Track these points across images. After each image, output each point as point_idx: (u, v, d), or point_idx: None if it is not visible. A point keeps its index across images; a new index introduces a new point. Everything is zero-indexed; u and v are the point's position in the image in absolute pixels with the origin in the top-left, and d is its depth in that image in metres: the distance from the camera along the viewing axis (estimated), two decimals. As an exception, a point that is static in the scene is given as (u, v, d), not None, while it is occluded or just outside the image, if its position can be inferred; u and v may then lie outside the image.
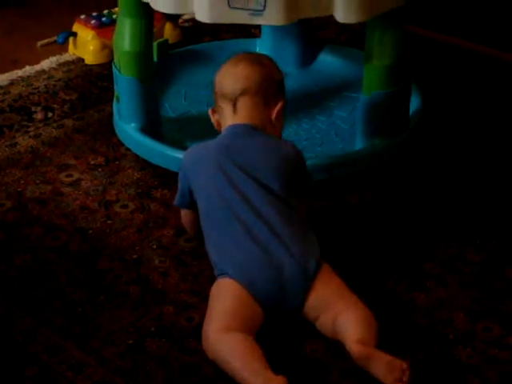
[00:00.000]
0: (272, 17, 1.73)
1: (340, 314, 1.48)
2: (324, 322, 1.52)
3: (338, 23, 1.80)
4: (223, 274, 1.55)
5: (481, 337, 1.54)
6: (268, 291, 1.51)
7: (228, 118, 1.70)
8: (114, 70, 2.00)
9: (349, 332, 1.46)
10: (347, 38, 2.63)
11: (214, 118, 1.75)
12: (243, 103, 1.67)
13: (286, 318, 1.55)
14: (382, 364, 1.41)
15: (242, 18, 1.74)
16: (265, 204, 1.58)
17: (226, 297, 1.51)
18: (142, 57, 1.96)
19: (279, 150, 1.67)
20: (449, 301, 1.62)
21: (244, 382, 1.41)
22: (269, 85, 1.69)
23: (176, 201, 1.73)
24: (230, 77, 1.69)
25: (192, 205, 1.69)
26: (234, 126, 1.68)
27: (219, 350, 1.44)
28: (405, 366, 1.41)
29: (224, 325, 1.46)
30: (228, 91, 1.68)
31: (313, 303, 1.52)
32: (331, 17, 1.78)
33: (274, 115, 1.70)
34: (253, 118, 1.68)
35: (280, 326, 1.55)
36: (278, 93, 1.72)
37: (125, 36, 1.95)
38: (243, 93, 1.67)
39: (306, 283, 1.52)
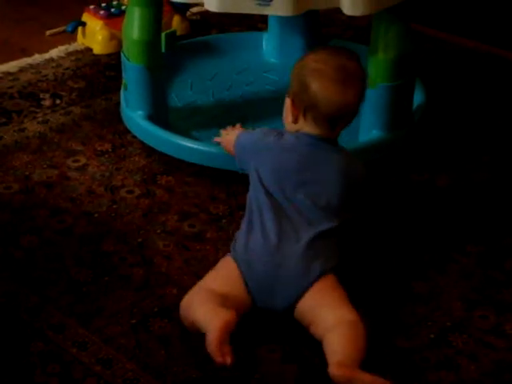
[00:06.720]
0: (280, 7, 1.76)
1: (328, 331, 1.45)
2: (314, 333, 1.49)
3: (343, 20, 1.82)
4: (232, 252, 1.57)
5: (477, 324, 1.57)
6: (261, 282, 1.52)
7: (309, 127, 1.61)
8: (123, 58, 2.03)
9: (332, 354, 1.42)
10: (352, 35, 2.65)
11: (292, 115, 1.62)
12: (338, 123, 1.61)
13: (278, 317, 1.54)
14: None
15: (249, 7, 1.77)
16: (308, 211, 1.56)
17: (217, 273, 1.55)
18: (150, 45, 1.98)
19: (350, 174, 1.61)
20: (447, 289, 1.65)
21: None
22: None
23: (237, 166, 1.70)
24: (337, 101, 1.57)
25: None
26: (310, 136, 1.60)
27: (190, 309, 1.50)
28: None
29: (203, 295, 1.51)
30: (329, 112, 1.58)
31: (303, 309, 1.50)
32: (337, 13, 1.79)
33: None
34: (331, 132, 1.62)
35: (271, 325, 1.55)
36: None
37: (134, 25, 1.97)
38: (342, 117, 1.61)
39: (302, 286, 1.51)
